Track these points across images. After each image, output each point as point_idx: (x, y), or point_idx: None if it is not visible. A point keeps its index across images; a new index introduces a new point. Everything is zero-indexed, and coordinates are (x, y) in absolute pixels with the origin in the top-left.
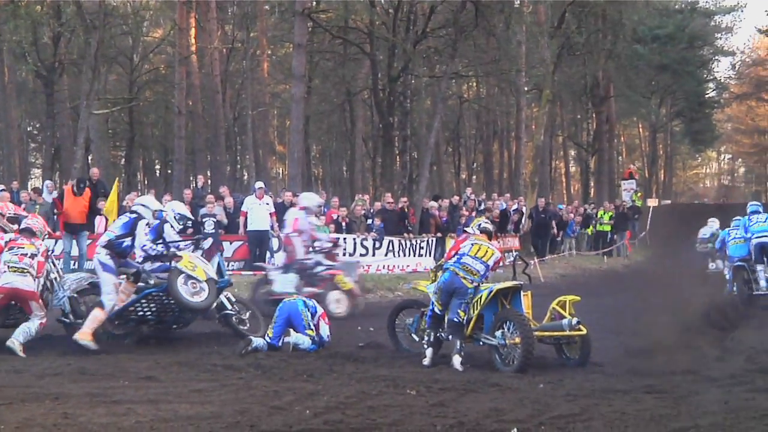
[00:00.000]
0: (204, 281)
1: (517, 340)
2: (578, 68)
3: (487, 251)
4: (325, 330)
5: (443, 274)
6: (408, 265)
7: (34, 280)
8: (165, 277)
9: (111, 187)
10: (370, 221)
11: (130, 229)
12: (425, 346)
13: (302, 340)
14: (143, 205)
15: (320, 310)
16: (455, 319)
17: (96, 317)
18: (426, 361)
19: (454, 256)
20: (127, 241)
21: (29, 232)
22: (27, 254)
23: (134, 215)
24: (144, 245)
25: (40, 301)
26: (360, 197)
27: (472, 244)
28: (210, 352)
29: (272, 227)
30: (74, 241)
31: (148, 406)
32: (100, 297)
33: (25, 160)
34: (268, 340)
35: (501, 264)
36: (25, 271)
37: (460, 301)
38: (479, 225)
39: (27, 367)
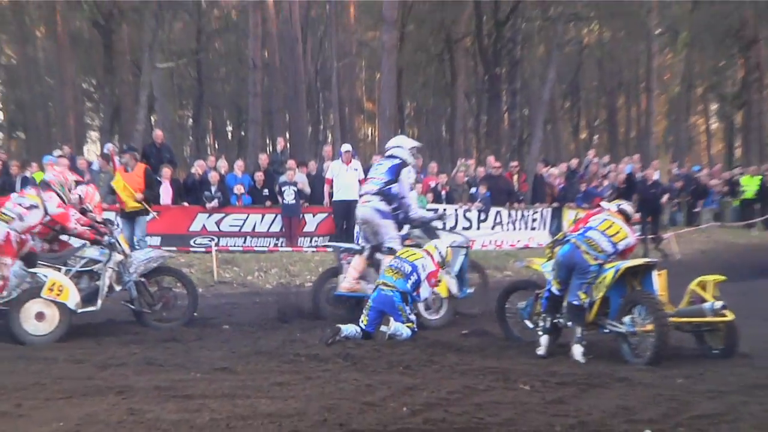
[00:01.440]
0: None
1: (650, 327)
2: (721, 5)
3: (619, 231)
4: (425, 293)
5: (563, 247)
6: (519, 240)
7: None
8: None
9: (174, 155)
10: (473, 190)
11: (395, 175)
12: (540, 333)
13: (402, 330)
14: (399, 147)
15: (423, 275)
16: (575, 302)
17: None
18: (541, 351)
19: (580, 229)
20: (395, 188)
21: (45, 185)
22: (24, 204)
23: (397, 160)
24: (411, 210)
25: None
26: (462, 162)
27: (604, 219)
28: (292, 340)
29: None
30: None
31: (224, 401)
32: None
33: (81, 122)
34: (363, 327)
35: (632, 252)
36: (4, 217)
37: (581, 281)
38: (619, 204)
39: (88, 356)
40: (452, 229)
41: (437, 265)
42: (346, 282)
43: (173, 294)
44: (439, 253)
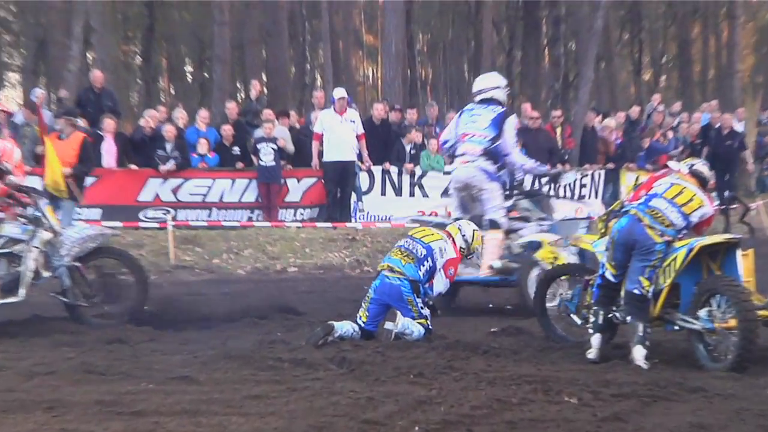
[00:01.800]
0: None
1: (732, 322)
2: None
3: (692, 198)
4: (439, 286)
5: (619, 220)
6: (563, 212)
7: None
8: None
9: (118, 102)
10: None
11: (500, 128)
12: (591, 331)
13: (412, 327)
14: (497, 87)
15: (440, 262)
16: (636, 291)
17: (495, 244)
18: (592, 354)
19: (641, 197)
20: (500, 143)
21: None
22: None
23: (499, 108)
24: (520, 162)
25: None
26: None
27: (672, 184)
28: (272, 341)
29: (360, 156)
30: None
31: (183, 419)
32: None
33: None
34: (362, 324)
35: (709, 226)
36: None
37: (644, 264)
38: (691, 165)
39: (9, 362)
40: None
41: (458, 252)
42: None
43: (117, 282)
44: (463, 237)
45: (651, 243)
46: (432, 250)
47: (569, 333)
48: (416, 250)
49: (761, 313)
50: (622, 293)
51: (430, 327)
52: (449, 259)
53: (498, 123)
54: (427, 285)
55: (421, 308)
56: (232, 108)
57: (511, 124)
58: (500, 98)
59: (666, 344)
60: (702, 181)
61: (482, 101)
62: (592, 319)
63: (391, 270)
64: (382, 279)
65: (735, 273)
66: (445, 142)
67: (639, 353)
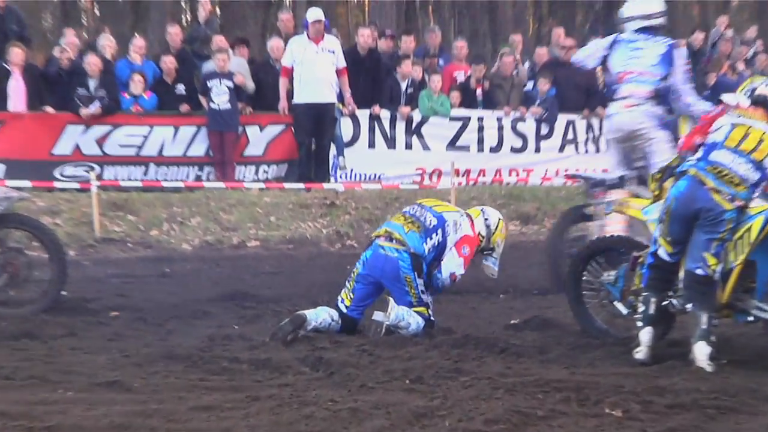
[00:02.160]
0: None
1: None
2: None
3: (762, 140)
4: (450, 265)
5: (675, 183)
6: (606, 170)
7: None
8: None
9: (27, 26)
10: (529, 85)
11: (670, 63)
12: (639, 324)
13: (408, 318)
14: (662, 13)
15: (453, 238)
16: (699, 271)
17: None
18: (641, 354)
19: (697, 149)
20: (670, 82)
21: None
22: None
23: (667, 41)
24: (694, 105)
25: None
26: (511, 39)
27: (733, 127)
28: (226, 336)
29: (341, 97)
30: None
31: None
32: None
33: None
34: (343, 310)
35: None
36: None
37: (710, 237)
38: (751, 90)
39: None
40: None
41: (477, 237)
42: (606, 231)
43: (26, 260)
44: (485, 221)
45: (719, 211)
46: (444, 221)
47: (612, 325)
48: (425, 219)
49: None
50: (681, 275)
51: (431, 317)
52: (465, 236)
53: (668, 58)
54: (433, 265)
55: (422, 292)
56: (174, 34)
57: (682, 56)
58: (663, 24)
59: (738, 340)
60: None
61: (644, 30)
62: (641, 308)
63: (389, 238)
64: (376, 250)
65: None
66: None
67: (702, 352)
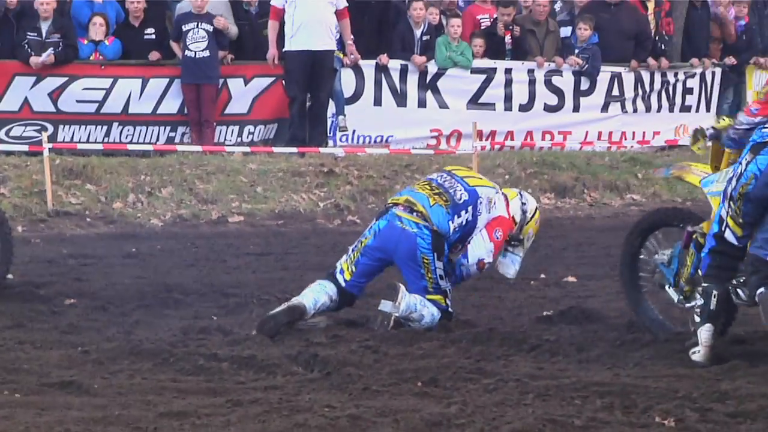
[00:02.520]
0: None
1: None
2: None
3: None
4: (479, 251)
5: (756, 156)
6: (659, 132)
7: None
8: None
9: None
10: (566, 32)
11: None
12: (697, 319)
13: (421, 308)
14: None
15: (485, 217)
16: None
17: None
18: (699, 356)
19: None
20: None
21: None
22: None
23: None
24: None
25: None
26: None
27: None
28: (203, 329)
29: (341, 44)
30: None
31: None
32: None
33: None
34: (341, 283)
35: None
36: None
37: None
38: None
39: None
40: None
41: (512, 220)
42: None
43: None
44: (522, 206)
45: None
46: (477, 197)
47: (668, 317)
48: (454, 192)
49: None
50: (748, 258)
51: (449, 308)
52: (499, 217)
53: None
54: (456, 247)
55: (440, 277)
56: None
57: None
58: None
59: None
60: None
61: None
62: (699, 301)
63: (410, 210)
64: (392, 220)
65: None
66: None
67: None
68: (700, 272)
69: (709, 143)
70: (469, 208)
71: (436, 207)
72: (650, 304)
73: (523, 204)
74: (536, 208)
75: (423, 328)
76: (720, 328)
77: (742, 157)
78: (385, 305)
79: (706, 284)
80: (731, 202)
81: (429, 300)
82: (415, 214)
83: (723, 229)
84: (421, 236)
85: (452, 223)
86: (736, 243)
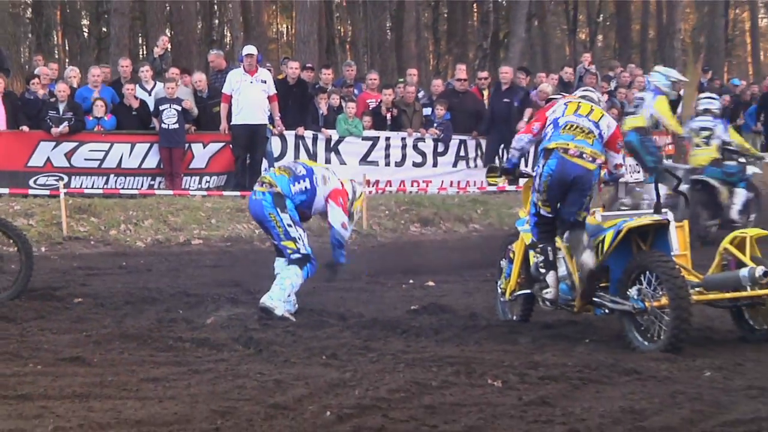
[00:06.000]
0: None
1: (665, 301)
2: None
3: (592, 109)
4: (335, 216)
5: (545, 163)
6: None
7: None
8: None
9: (11, 62)
10: (428, 111)
11: None
12: (543, 270)
13: (282, 282)
14: None
15: (323, 189)
16: (572, 219)
17: None
18: (550, 294)
19: (545, 127)
20: None
21: None
22: None
23: None
24: None
25: None
26: (408, 73)
27: (567, 104)
28: (172, 319)
29: (272, 119)
30: None
31: (74, 403)
32: None
33: None
34: None
35: (620, 149)
36: None
37: (583, 199)
38: (575, 93)
39: None
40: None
41: (346, 192)
42: None
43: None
44: (353, 187)
45: (586, 175)
46: (313, 172)
47: (506, 308)
48: (296, 168)
49: (697, 291)
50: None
51: (299, 251)
52: (335, 189)
53: None
54: (299, 207)
55: (289, 226)
56: (124, 66)
57: None
58: None
59: (598, 324)
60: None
61: None
62: (540, 258)
63: (261, 182)
64: (251, 196)
65: (667, 249)
66: None
67: (589, 258)
68: (533, 240)
69: (501, 175)
70: (307, 179)
71: (281, 176)
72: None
73: (353, 186)
74: (361, 192)
75: (295, 288)
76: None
77: (537, 164)
78: (263, 301)
79: (541, 245)
80: (539, 193)
81: (283, 246)
82: (264, 185)
83: (537, 210)
84: (265, 199)
85: (293, 186)
86: (548, 215)
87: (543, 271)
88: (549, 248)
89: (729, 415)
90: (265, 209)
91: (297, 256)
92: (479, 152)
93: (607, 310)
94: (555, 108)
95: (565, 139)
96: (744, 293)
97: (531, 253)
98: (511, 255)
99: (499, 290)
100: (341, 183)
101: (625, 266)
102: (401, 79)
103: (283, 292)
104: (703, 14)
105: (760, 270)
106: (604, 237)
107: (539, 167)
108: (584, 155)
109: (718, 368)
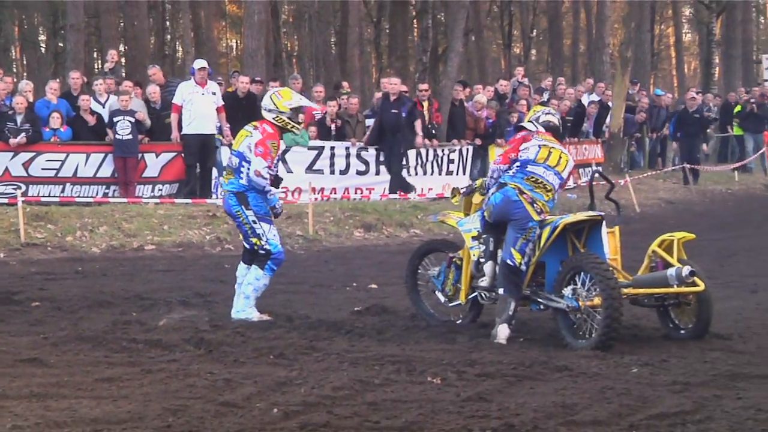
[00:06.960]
0: None
1: (597, 300)
2: None
3: (560, 157)
4: (252, 167)
5: (495, 193)
6: (430, 189)
7: None
8: None
9: None
10: (370, 121)
11: None
12: (482, 261)
13: (251, 291)
14: None
15: (251, 153)
16: (509, 261)
17: None
18: (485, 282)
19: (512, 163)
20: None
21: None
22: None
23: None
24: None
25: None
26: (344, 86)
27: (540, 147)
28: (126, 321)
29: (220, 130)
30: None
31: (32, 402)
32: None
33: None
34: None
35: (572, 181)
36: None
37: (518, 236)
38: (538, 118)
39: None
40: None
41: (268, 133)
42: None
43: None
44: (269, 112)
45: (527, 218)
46: (242, 154)
47: (436, 310)
48: (231, 162)
49: (626, 290)
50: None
51: (268, 249)
52: (255, 142)
53: None
54: (250, 177)
55: (254, 222)
56: (74, 79)
57: None
58: None
59: (532, 323)
60: (555, 133)
61: None
62: (481, 248)
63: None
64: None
65: (600, 250)
66: None
67: (503, 333)
68: (478, 231)
69: (463, 197)
70: (243, 163)
71: (230, 181)
72: (425, 302)
73: (269, 111)
74: (272, 93)
75: (263, 287)
76: (476, 314)
77: (489, 186)
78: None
79: (485, 235)
80: (485, 206)
81: (251, 242)
82: (227, 192)
83: (484, 213)
84: (230, 199)
85: (241, 180)
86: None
87: (482, 260)
88: (491, 239)
89: (655, 409)
90: (233, 207)
91: (261, 252)
92: (419, 161)
93: (542, 306)
94: (528, 146)
95: (525, 186)
96: (671, 290)
97: (473, 251)
98: (458, 261)
99: (441, 296)
100: (263, 131)
101: (560, 263)
102: (345, 92)
103: (248, 300)
104: (630, 29)
105: (686, 270)
106: (541, 233)
107: (490, 191)
108: (535, 205)
109: (645, 365)
